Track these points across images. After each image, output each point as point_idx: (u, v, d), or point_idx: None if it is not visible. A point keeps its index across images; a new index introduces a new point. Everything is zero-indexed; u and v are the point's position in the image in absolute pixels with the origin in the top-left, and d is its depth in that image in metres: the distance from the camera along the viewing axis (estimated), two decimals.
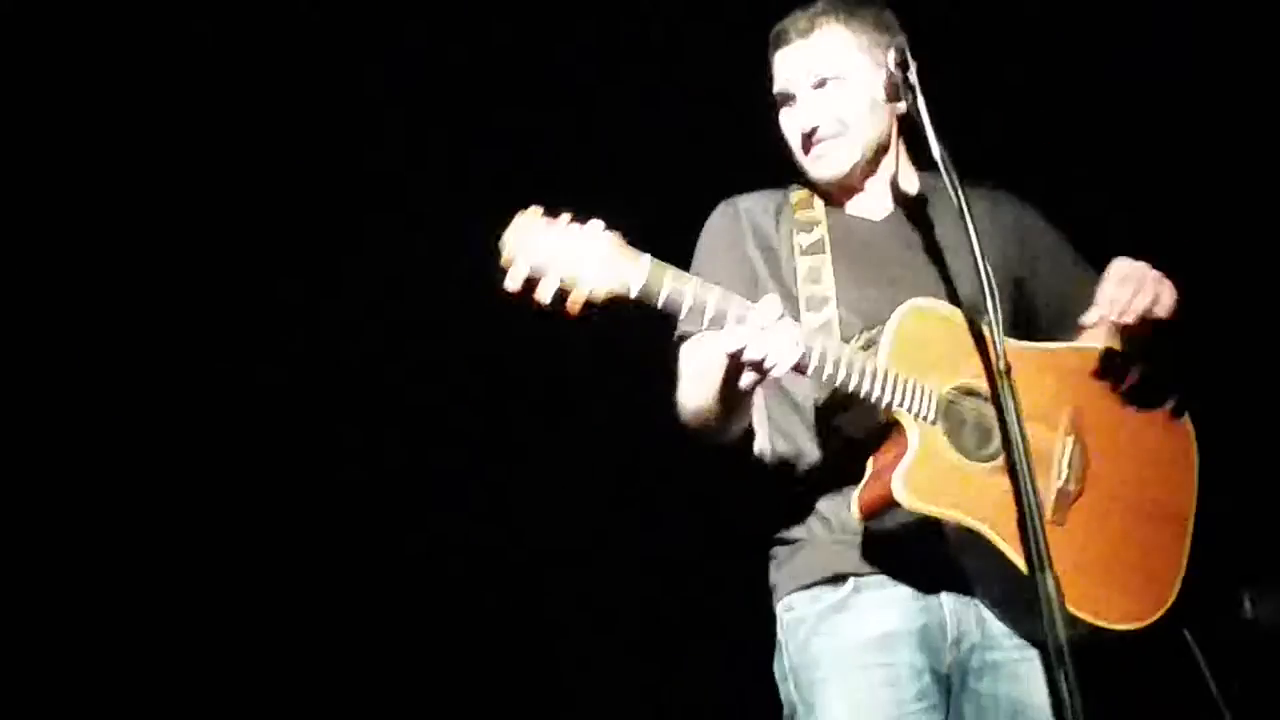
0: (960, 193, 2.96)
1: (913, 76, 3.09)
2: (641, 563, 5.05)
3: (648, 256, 2.81)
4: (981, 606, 3.14)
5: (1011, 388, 2.89)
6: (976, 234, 2.94)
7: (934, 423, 3.02)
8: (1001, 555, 3.00)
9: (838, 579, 3.17)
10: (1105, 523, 3.19)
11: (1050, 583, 2.78)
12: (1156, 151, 4.83)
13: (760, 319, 2.84)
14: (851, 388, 2.97)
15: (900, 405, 3.01)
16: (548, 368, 4.93)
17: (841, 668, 3.13)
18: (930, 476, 3.00)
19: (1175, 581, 3.27)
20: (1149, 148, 4.84)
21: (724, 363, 2.94)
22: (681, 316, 2.87)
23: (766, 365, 2.86)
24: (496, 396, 5.06)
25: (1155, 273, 3.16)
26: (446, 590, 5.05)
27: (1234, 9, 4.73)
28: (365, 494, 5.02)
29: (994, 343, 2.91)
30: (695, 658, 4.92)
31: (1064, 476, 3.16)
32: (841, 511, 3.15)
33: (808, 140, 3.30)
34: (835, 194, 3.38)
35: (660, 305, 2.81)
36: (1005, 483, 3.01)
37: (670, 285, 2.81)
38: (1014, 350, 3.09)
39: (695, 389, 3.15)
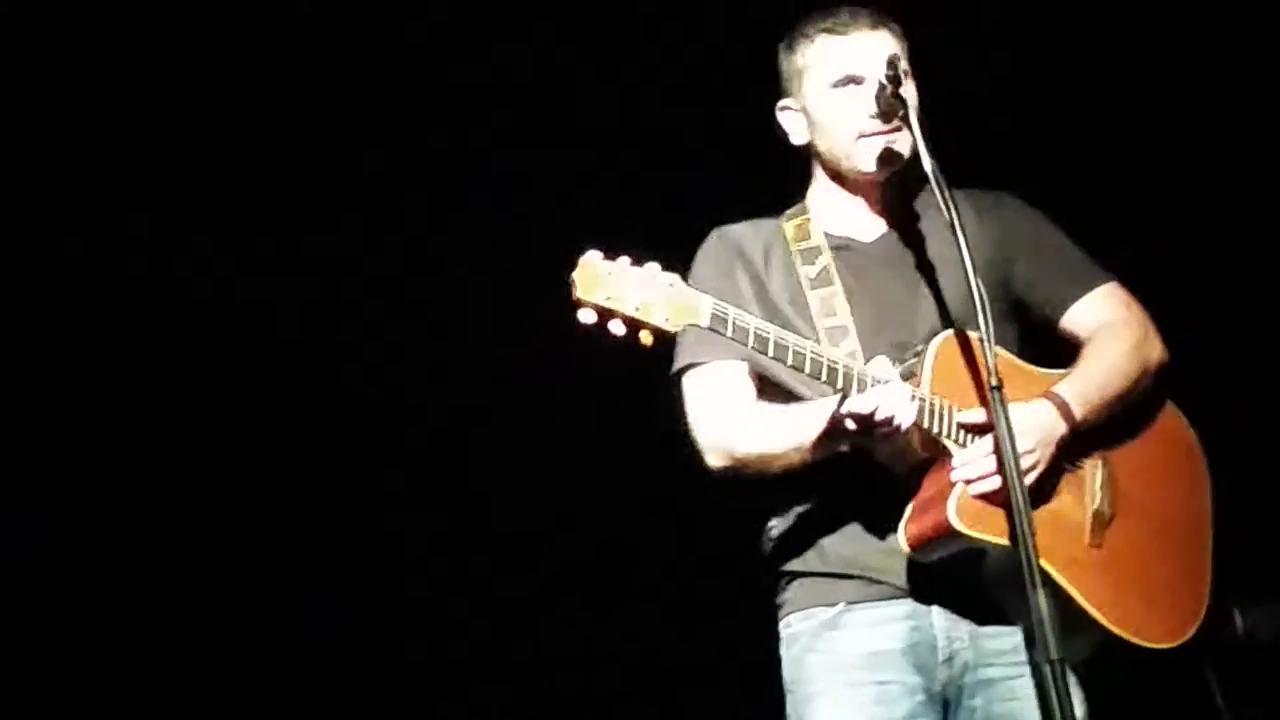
0: (953, 209, 2.99)
1: (905, 90, 3.15)
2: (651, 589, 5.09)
3: (708, 295, 2.93)
4: (974, 624, 3.16)
5: (1002, 402, 2.92)
6: (968, 248, 2.97)
7: None
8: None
9: (831, 603, 3.21)
10: (1138, 544, 3.24)
11: (1043, 601, 2.79)
12: (1155, 157, 4.92)
13: (880, 381, 2.98)
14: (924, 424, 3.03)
15: (947, 435, 3.05)
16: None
17: (833, 684, 3.17)
18: (980, 504, 3.02)
19: (1204, 596, 3.33)
20: (1147, 151, 4.93)
21: (837, 420, 3.02)
22: (750, 347, 2.95)
23: (894, 425, 2.97)
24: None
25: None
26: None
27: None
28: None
29: (985, 358, 2.94)
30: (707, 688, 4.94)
31: (1098, 500, 3.21)
32: (839, 545, 3.21)
33: (884, 121, 3.25)
34: (833, 206, 3.38)
35: (728, 334, 2.92)
36: (1045, 509, 3.10)
37: (734, 318, 2.93)
38: (1038, 376, 3.22)
39: (761, 439, 3.18)
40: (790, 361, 2.98)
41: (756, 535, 3.36)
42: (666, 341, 2.92)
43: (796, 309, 3.29)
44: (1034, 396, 3.15)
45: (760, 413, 3.23)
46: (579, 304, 2.80)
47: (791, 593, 3.27)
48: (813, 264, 3.32)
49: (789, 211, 3.43)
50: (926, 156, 3.06)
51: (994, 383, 2.92)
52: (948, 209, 3.00)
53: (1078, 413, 3.17)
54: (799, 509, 3.27)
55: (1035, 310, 3.36)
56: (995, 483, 3.00)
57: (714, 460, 3.24)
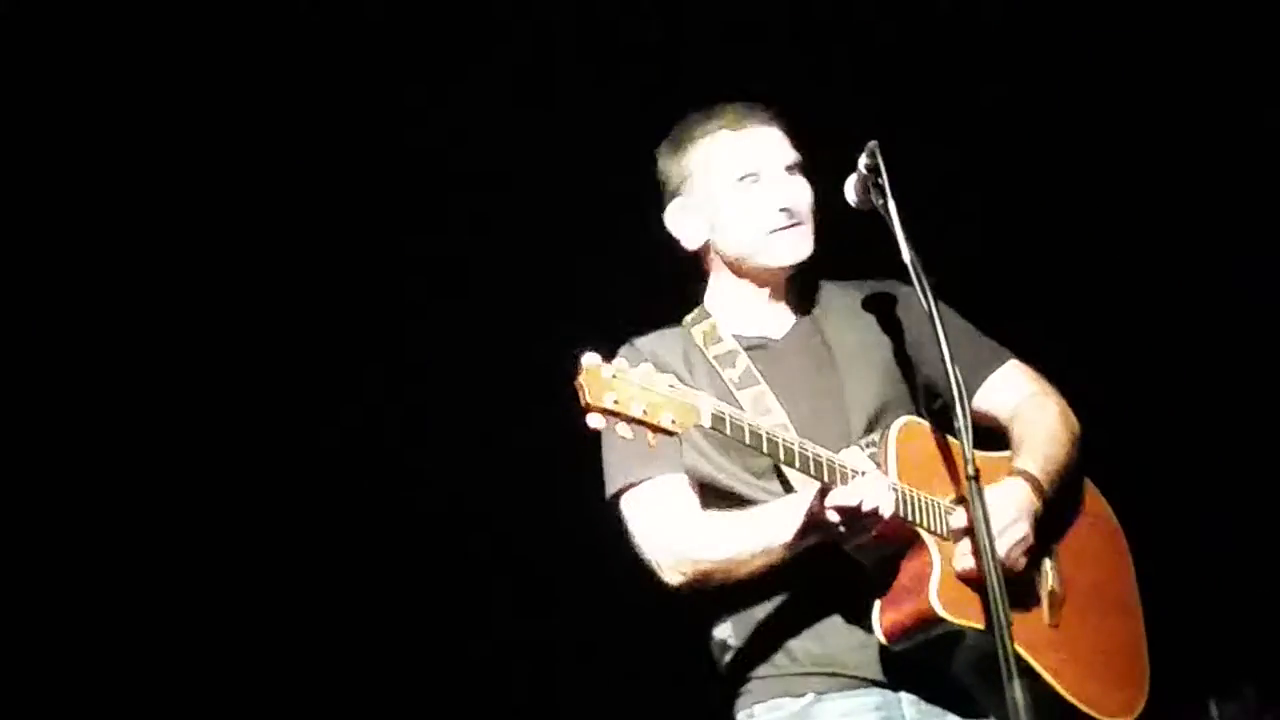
0: (930, 300, 3.01)
1: (883, 179, 3.12)
2: None
3: (705, 394, 2.96)
4: (944, 712, 3.18)
5: (980, 492, 2.94)
6: (946, 339, 2.99)
7: (948, 538, 3.09)
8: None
9: (799, 694, 3.20)
10: (1087, 621, 3.29)
11: (1018, 691, 2.82)
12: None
13: (859, 472, 3.00)
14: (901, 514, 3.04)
15: (919, 523, 3.07)
16: None
17: None
18: (958, 590, 3.06)
19: (1146, 671, 3.40)
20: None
21: (814, 515, 3.02)
22: (747, 443, 2.96)
23: (877, 516, 2.98)
24: None
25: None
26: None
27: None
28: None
29: (964, 446, 2.95)
30: None
31: (1050, 580, 3.26)
32: (808, 644, 3.20)
33: (789, 214, 3.27)
34: (734, 306, 3.38)
35: (727, 432, 2.93)
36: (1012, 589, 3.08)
37: (731, 415, 2.94)
38: (983, 459, 3.16)
39: (727, 545, 3.15)
40: (782, 457, 2.98)
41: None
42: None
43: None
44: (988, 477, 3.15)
45: (717, 520, 3.18)
46: (588, 409, 2.79)
47: (754, 686, 3.23)
48: (733, 366, 3.31)
49: (689, 318, 3.41)
50: (906, 247, 3.05)
51: (971, 471, 2.93)
52: (926, 302, 3.01)
53: (1045, 486, 3.21)
54: (758, 612, 3.22)
55: (944, 395, 3.29)
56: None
57: (673, 576, 3.18)
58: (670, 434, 2.84)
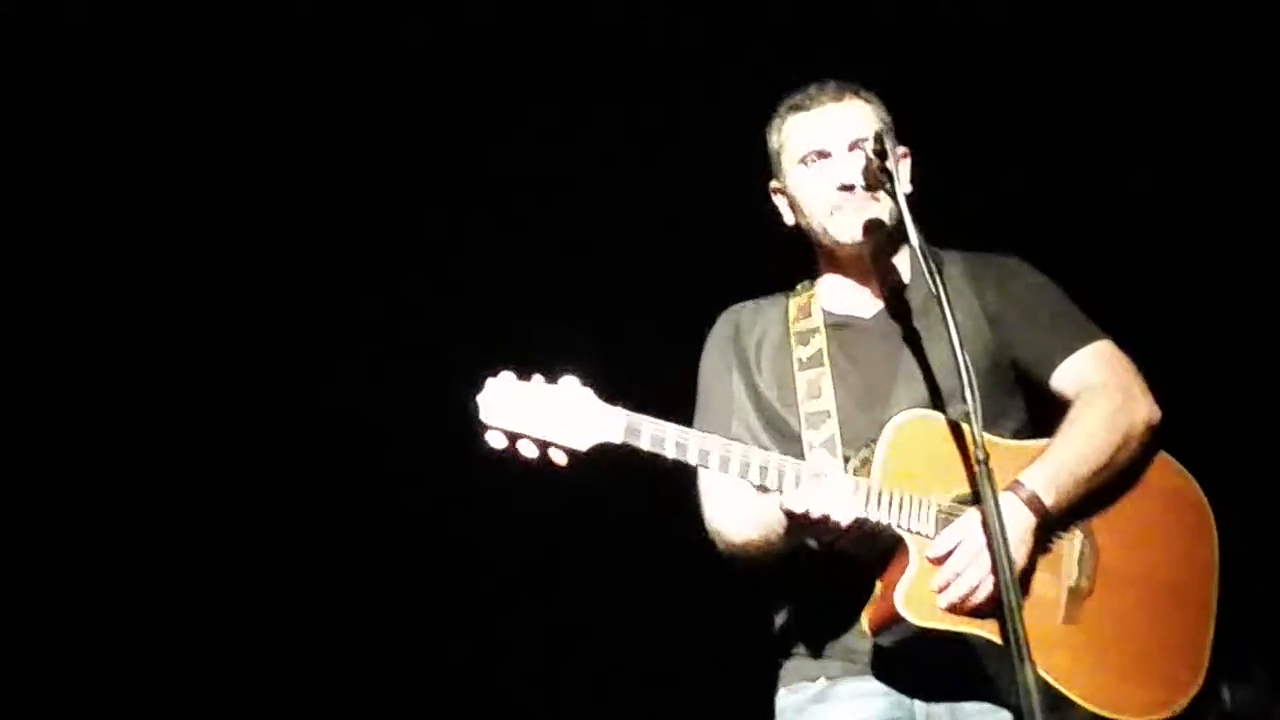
0: (938, 281, 2.96)
1: (891, 164, 3.11)
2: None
3: (621, 409, 2.95)
4: (954, 699, 3.13)
5: (990, 476, 2.88)
6: (955, 324, 2.93)
7: (933, 538, 3.03)
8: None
9: (814, 678, 3.24)
10: (1122, 614, 3.16)
11: (1030, 674, 2.75)
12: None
13: (817, 476, 3.01)
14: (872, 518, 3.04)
15: (899, 524, 3.03)
16: None
17: None
18: (931, 591, 3.01)
19: (1201, 663, 3.22)
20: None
21: (785, 519, 3.06)
22: (671, 457, 2.98)
23: (830, 522, 2.99)
24: None
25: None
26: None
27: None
28: None
29: (972, 433, 2.90)
30: None
31: (1074, 575, 3.14)
32: (822, 630, 3.22)
33: (847, 190, 3.27)
34: (839, 280, 3.38)
35: (646, 448, 2.96)
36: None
37: (650, 430, 2.96)
38: (1015, 449, 3.15)
39: (743, 528, 3.23)
40: (716, 466, 3.01)
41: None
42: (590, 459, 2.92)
43: (783, 395, 3.31)
44: (1009, 477, 3.09)
45: (740, 503, 3.24)
46: (484, 428, 2.85)
47: (784, 669, 3.32)
48: (807, 344, 3.34)
49: (799, 286, 3.46)
50: (913, 230, 3.03)
51: (980, 455, 2.88)
52: (932, 281, 2.97)
53: (1049, 500, 3.09)
54: (790, 596, 3.31)
55: (1030, 373, 3.30)
56: (963, 589, 2.99)
57: (718, 547, 3.31)
58: (577, 453, 2.90)
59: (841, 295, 3.39)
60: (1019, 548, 3.03)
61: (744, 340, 3.38)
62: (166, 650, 4.94)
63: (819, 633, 3.23)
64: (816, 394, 3.25)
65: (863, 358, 3.31)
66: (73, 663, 4.91)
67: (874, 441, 3.11)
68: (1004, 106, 4.84)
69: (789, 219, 3.41)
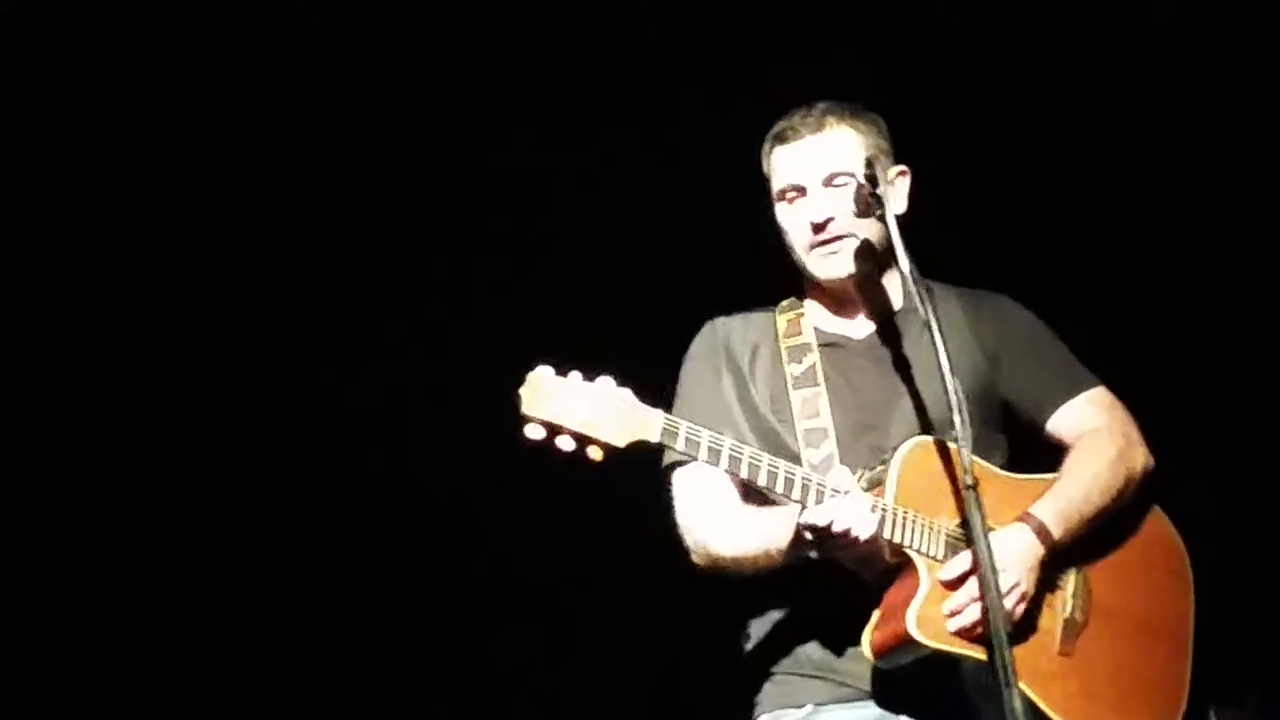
0: (930, 310, 2.99)
1: (882, 190, 3.12)
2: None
3: (659, 410, 2.97)
4: None
5: (978, 502, 2.91)
6: (946, 352, 2.96)
7: (942, 560, 3.06)
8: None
9: (799, 704, 3.22)
10: (1113, 648, 3.22)
11: (1016, 699, 2.79)
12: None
13: (839, 492, 2.99)
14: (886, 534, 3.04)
15: (910, 545, 3.04)
16: None
17: None
18: (943, 614, 3.03)
19: (1181, 697, 3.30)
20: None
21: (797, 532, 3.04)
22: (701, 459, 2.98)
23: (851, 537, 2.98)
24: None
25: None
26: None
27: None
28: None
29: (960, 457, 2.93)
30: None
31: (1069, 607, 3.19)
32: (810, 649, 3.20)
33: (819, 231, 3.27)
34: (826, 303, 3.38)
35: (680, 449, 2.97)
36: (1014, 614, 3.07)
37: (686, 432, 2.96)
38: (1007, 482, 3.22)
39: (735, 541, 3.20)
40: (745, 474, 3.00)
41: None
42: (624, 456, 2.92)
43: (778, 410, 3.30)
44: (1009, 509, 3.14)
45: (736, 515, 3.23)
46: (525, 419, 2.84)
47: (764, 693, 3.27)
48: (799, 362, 3.33)
49: (784, 304, 3.44)
50: (903, 256, 3.05)
51: (969, 481, 2.91)
52: (923, 308, 3.00)
53: (1056, 533, 3.15)
54: (774, 612, 3.27)
55: (1021, 414, 3.35)
56: (979, 613, 2.99)
57: (696, 559, 3.27)
58: (614, 449, 2.88)
59: (830, 315, 3.38)
60: (1029, 575, 3.09)
61: (736, 351, 3.35)
62: (184, 646, 4.94)
63: (805, 655, 3.20)
64: (814, 413, 3.24)
65: (857, 379, 3.30)
66: (95, 660, 4.90)
67: (877, 464, 3.13)
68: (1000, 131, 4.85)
69: (781, 244, 3.39)
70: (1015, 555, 3.08)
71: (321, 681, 5.03)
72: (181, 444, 4.97)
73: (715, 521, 3.24)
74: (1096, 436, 3.31)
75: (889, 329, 3.35)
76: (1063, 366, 3.39)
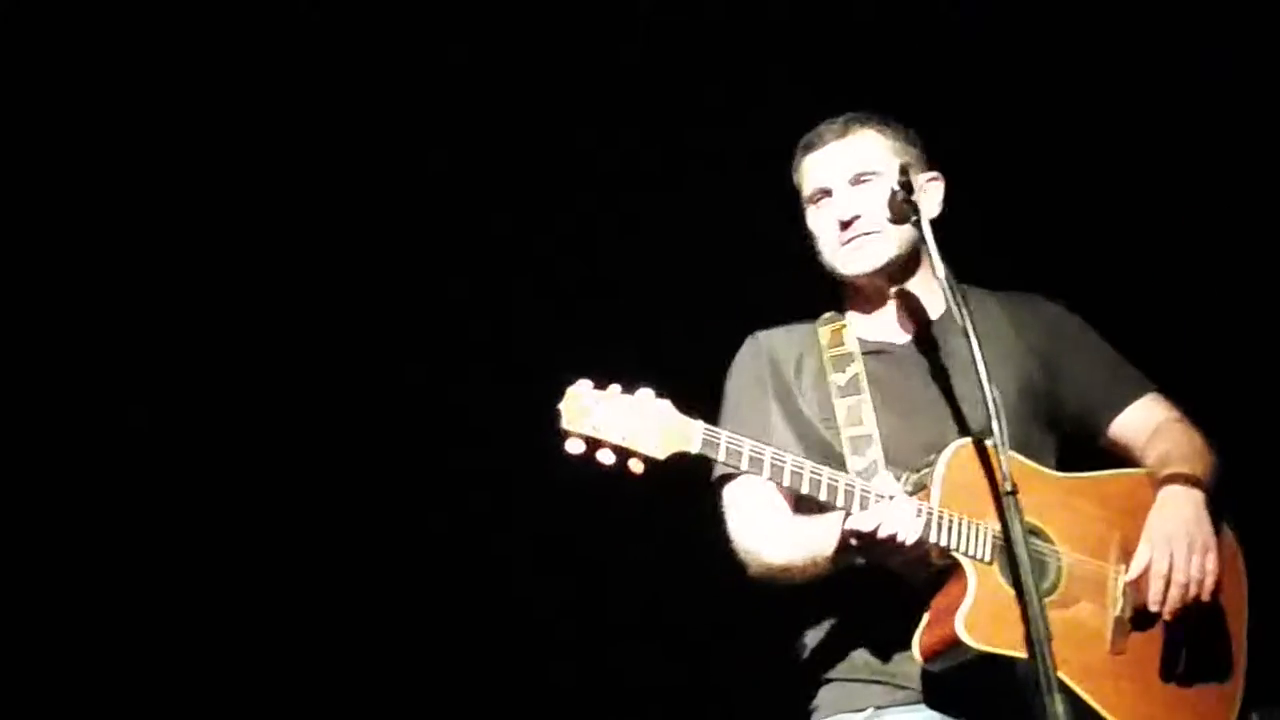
0: (966, 315, 3.01)
1: (917, 196, 3.16)
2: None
3: (700, 420, 2.98)
4: None
5: (1018, 508, 2.92)
6: (983, 356, 2.98)
7: (990, 562, 3.05)
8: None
9: (859, 709, 3.23)
10: (1164, 647, 3.21)
11: (1058, 703, 2.79)
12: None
13: (885, 497, 3.01)
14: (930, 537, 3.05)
15: (957, 548, 3.05)
16: None
17: None
18: (991, 616, 3.02)
19: (1235, 696, 3.30)
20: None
21: (844, 536, 3.06)
22: (743, 469, 3.01)
23: (897, 542, 3.00)
24: None
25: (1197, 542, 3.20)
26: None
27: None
28: None
29: (999, 464, 2.95)
30: None
31: (1119, 606, 3.19)
32: (866, 654, 3.22)
33: (846, 228, 3.32)
34: (867, 312, 3.41)
35: (721, 459, 2.98)
36: (1063, 616, 3.07)
37: (727, 442, 2.98)
38: (1057, 481, 3.23)
39: (784, 550, 3.22)
40: (788, 482, 3.02)
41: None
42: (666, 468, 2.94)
43: (824, 419, 3.32)
44: (1061, 509, 3.17)
45: (784, 524, 3.25)
46: (565, 434, 2.86)
47: (820, 698, 3.29)
48: (843, 371, 3.35)
49: (825, 316, 3.47)
50: (939, 261, 3.08)
51: (1009, 488, 2.93)
52: (960, 314, 3.03)
53: (1205, 480, 3.26)
54: (829, 619, 3.29)
55: (1078, 418, 3.38)
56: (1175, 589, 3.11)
57: (750, 570, 3.29)
58: (655, 461, 2.90)
59: (872, 323, 3.41)
60: (1203, 524, 3.19)
61: (782, 365, 3.39)
62: (207, 642, 4.93)
63: (862, 659, 3.22)
64: (858, 420, 3.27)
65: (901, 385, 3.33)
66: (132, 657, 4.91)
67: (922, 467, 3.13)
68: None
69: (816, 255, 3.44)
70: (1181, 519, 3.18)
71: (366, 681, 5.07)
72: (190, 446, 4.97)
73: (764, 531, 3.26)
74: (1179, 424, 3.38)
75: (929, 335, 3.37)
76: (1121, 370, 3.43)
